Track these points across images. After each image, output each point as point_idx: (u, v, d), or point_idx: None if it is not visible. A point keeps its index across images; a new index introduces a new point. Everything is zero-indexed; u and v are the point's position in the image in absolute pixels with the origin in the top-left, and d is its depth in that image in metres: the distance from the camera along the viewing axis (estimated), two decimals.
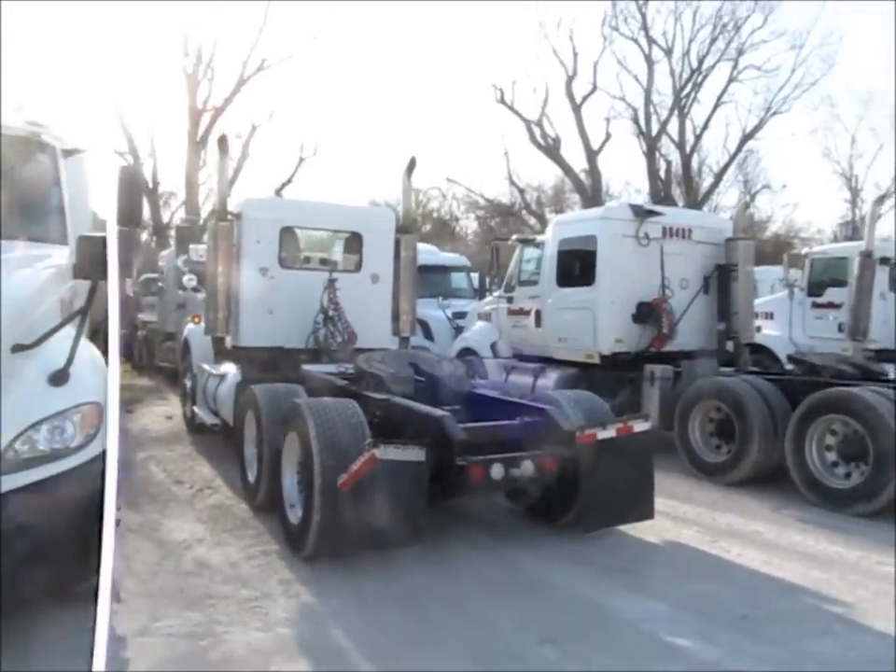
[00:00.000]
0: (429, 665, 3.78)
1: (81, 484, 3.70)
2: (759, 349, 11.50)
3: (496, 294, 11.35)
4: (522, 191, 35.55)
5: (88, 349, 4.22)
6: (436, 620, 4.32)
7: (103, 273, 4.27)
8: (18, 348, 3.74)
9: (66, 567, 3.68)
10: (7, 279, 4.21)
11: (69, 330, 4.06)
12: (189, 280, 12.20)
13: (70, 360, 3.86)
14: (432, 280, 13.06)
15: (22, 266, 4.56)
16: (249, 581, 4.81)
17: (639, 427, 5.68)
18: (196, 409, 9.28)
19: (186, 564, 5.11)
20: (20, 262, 4.56)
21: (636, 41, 31.58)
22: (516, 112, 31.62)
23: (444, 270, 14.94)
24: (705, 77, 32.03)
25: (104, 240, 4.20)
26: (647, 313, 9.19)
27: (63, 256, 4.95)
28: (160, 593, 4.58)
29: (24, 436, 3.64)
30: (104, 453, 4.00)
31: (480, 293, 12.50)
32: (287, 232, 8.40)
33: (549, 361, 9.95)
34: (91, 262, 3.99)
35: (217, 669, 3.69)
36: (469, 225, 41.82)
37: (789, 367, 9.96)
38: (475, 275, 14.37)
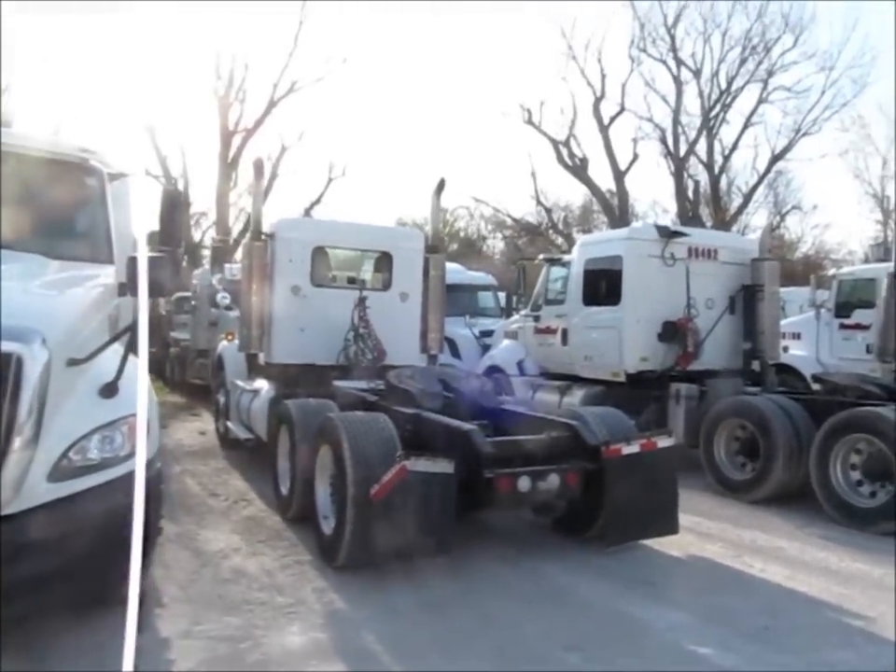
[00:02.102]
0: (456, 668, 3.92)
1: (130, 492, 3.89)
2: (786, 369, 11.53)
3: (522, 313, 11.50)
4: (549, 211, 35.72)
5: (134, 364, 4.44)
6: (463, 627, 4.46)
7: (149, 293, 4.51)
8: (72, 363, 3.95)
9: (117, 570, 3.86)
10: (59, 298, 4.47)
11: (116, 346, 4.29)
12: (223, 298, 12.48)
13: (119, 374, 4.07)
14: (460, 299, 13.23)
15: (73, 285, 4.77)
16: (284, 588, 4.99)
17: (663, 442, 5.81)
18: (229, 424, 9.50)
19: (223, 572, 5.31)
20: (70, 282, 4.78)
21: (664, 62, 31.73)
22: (544, 132, 31.88)
23: (471, 289, 15.12)
24: (734, 98, 32.03)
25: (151, 260, 4.44)
26: (672, 332, 9.29)
27: (109, 275, 5.16)
28: (199, 599, 4.77)
29: (78, 445, 3.84)
30: (149, 462, 4.22)
31: (506, 312, 12.65)
32: (318, 252, 8.61)
33: (575, 379, 10.09)
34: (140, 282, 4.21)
35: (257, 670, 3.86)
36: (496, 244, 42.06)
37: (815, 387, 9.99)
38: (502, 294, 14.52)
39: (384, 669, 3.92)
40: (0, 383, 3.50)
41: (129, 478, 3.95)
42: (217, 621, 4.41)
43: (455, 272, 14.12)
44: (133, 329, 4.33)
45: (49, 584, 3.68)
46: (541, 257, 12.20)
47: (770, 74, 31.31)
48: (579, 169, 32.14)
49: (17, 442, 3.55)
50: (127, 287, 4.64)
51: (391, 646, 4.15)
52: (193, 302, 17.04)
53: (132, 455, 4.05)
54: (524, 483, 5.32)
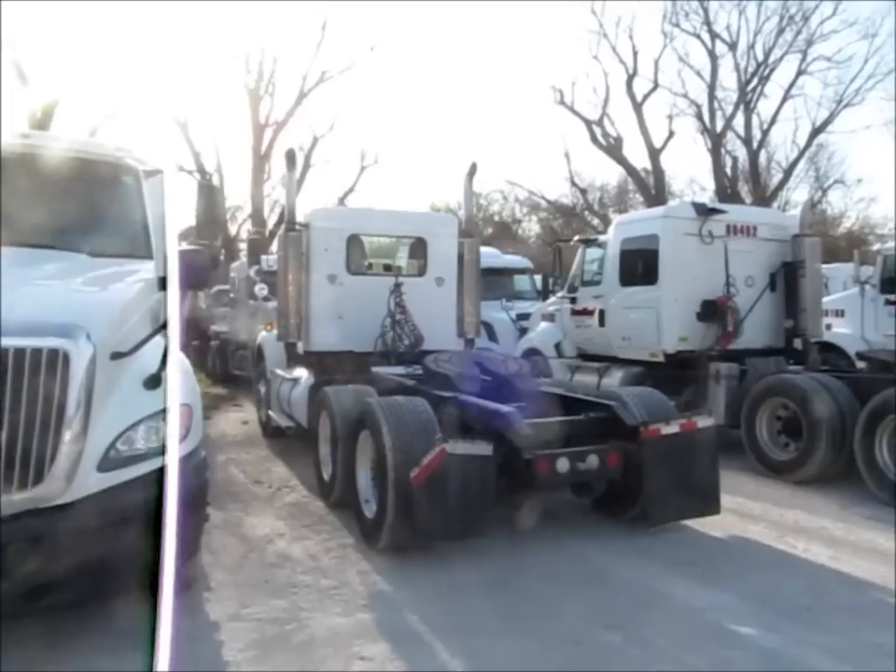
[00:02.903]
0: (498, 646, 3.97)
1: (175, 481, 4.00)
2: (829, 348, 11.32)
3: (559, 295, 11.48)
4: (584, 192, 35.41)
5: (176, 355, 4.54)
6: (504, 607, 4.50)
7: (189, 285, 4.62)
8: (116, 356, 4.05)
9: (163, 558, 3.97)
10: (102, 294, 4.58)
11: (158, 339, 4.39)
12: (261, 290, 12.60)
13: (162, 366, 4.17)
14: (496, 282, 13.26)
15: (114, 281, 4.87)
16: (328, 571, 5.09)
17: (704, 422, 5.79)
18: (271, 413, 9.66)
19: (269, 556, 5.42)
20: (112, 278, 4.89)
21: (698, 36, 31.10)
22: (576, 113, 31.52)
23: (507, 272, 15.12)
24: (772, 71, 31.24)
25: (191, 253, 4.54)
26: (711, 311, 9.20)
27: (149, 270, 5.26)
28: (246, 582, 4.89)
29: (125, 436, 3.94)
30: (194, 451, 4.34)
31: (543, 294, 12.62)
32: (353, 240, 8.67)
33: (613, 360, 10.06)
34: (178, 275, 4.31)
35: (304, 650, 3.95)
36: (531, 227, 41.86)
37: (859, 365, 9.82)
38: (537, 277, 14.49)
39: (427, 649, 3.98)
40: (48, 379, 3.60)
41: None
42: (263, 603, 4.52)
43: (491, 255, 14.13)
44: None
45: (101, 571, 3.80)
46: (577, 238, 12.16)
47: (809, 44, 30.49)
48: (613, 148, 31.78)
49: (67, 435, 3.65)
50: (167, 281, 4.73)
51: (434, 626, 4.22)
52: (232, 295, 17.28)
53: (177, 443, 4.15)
54: (562, 464, 5.35)
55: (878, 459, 6.95)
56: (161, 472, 4.02)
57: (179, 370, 4.49)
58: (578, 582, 4.93)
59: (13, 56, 19.89)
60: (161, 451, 4.06)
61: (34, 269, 4.52)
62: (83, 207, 5.37)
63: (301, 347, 8.56)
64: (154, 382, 4.15)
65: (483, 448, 4.95)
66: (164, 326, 4.50)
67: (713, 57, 31.08)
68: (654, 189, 31.26)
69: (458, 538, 5.19)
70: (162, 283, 4.97)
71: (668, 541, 5.69)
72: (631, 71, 30.92)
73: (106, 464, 3.86)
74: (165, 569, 3.69)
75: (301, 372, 8.64)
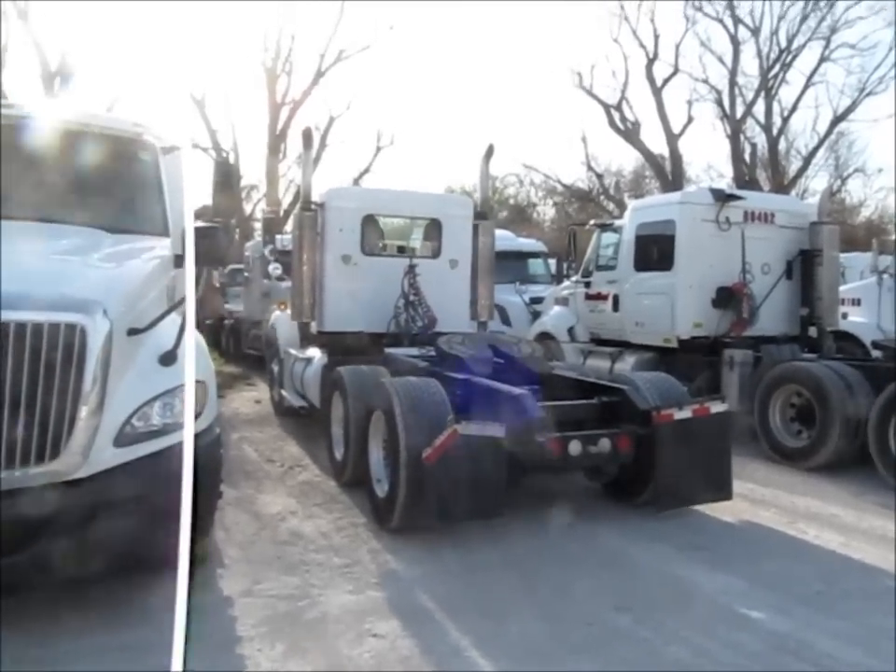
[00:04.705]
0: (509, 626, 4.00)
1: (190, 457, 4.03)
2: (845, 336, 11.25)
3: (573, 279, 11.43)
4: (600, 176, 35.23)
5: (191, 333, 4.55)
6: (515, 588, 4.53)
7: (205, 263, 4.63)
8: (132, 332, 4.07)
9: (177, 533, 4.00)
10: (118, 270, 4.60)
11: (174, 316, 4.41)
12: (275, 269, 12.63)
13: (178, 343, 4.19)
14: (509, 266, 13.19)
15: (131, 258, 4.89)
16: (340, 549, 5.13)
17: (717, 408, 5.77)
18: (284, 392, 9.70)
19: (281, 534, 5.46)
20: (128, 254, 4.91)
21: (720, 21, 30.71)
22: (595, 96, 31.29)
23: (521, 255, 15.06)
24: (794, 57, 30.80)
25: (206, 231, 4.54)
26: (727, 297, 9.16)
27: (165, 247, 5.28)
28: (259, 560, 4.93)
29: (140, 412, 3.97)
30: (209, 428, 4.37)
31: (557, 278, 12.58)
32: (368, 220, 8.65)
33: (626, 346, 10.04)
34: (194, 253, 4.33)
35: (316, 627, 3.99)
36: (546, 211, 41.71)
37: (874, 354, 9.76)
38: (552, 261, 14.44)
39: (438, 627, 4.00)
40: (65, 354, 3.62)
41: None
42: (276, 580, 4.56)
43: (506, 239, 14.06)
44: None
45: (117, 545, 3.84)
46: (592, 222, 12.09)
47: (833, 30, 30.00)
48: (631, 133, 31.52)
49: (83, 411, 3.68)
50: (183, 259, 4.75)
51: (445, 605, 4.25)
52: (246, 274, 17.30)
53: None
54: (574, 447, 5.36)
55: (892, 447, 6.92)
56: (176, 448, 4.07)
57: (195, 346, 4.52)
58: (589, 565, 4.95)
59: (30, 29, 19.95)
60: (176, 427, 4.09)
61: (51, 244, 4.55)
62: (101, 183, 5.39)
63: (314, 327, 8.58)
64: (169, 358, 4.17)
65: (496, 430, 4.96)
66: (180, 303, 4.53)
67: (735, 42, 30.70)
68: (671, 175, 31.02)
69: (470, 518, 5.21)
70: (178, 260, 5.01)
71: (680, 526, 5.69)
72: (651, 55, 30.63)
73: (122, 439, 3.89)
74: (181, 545, 3.72)
75: (315, 352, 8.66)
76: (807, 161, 32.87)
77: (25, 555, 3.57)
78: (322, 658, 3.65)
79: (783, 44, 30.52)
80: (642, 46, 30.61)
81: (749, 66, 31.19)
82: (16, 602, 3.80)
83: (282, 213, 25.99)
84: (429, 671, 3.56)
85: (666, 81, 30.90)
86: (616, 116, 31.31)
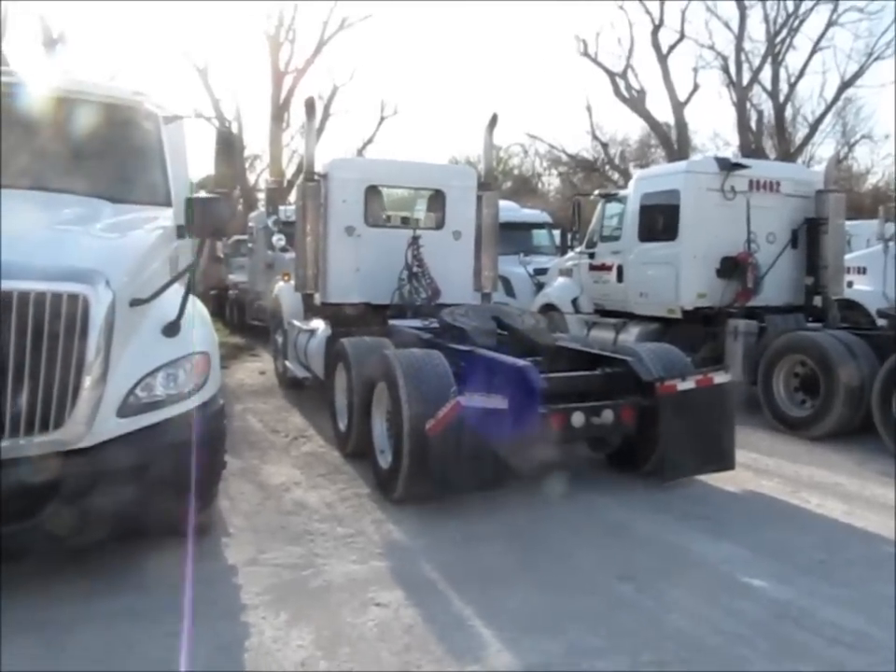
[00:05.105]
0: (512, 595, 4.02)
1: (192, 427, 4.05)
2: (850, 305, 11.21)
3: (577, 250, 11.38)
4: (605, 146, 34.88)
5: (194, 303, 4.55)
6: (519, 557, 4.56)
7: (207, 234, 4.61)
8: (135, 303, 4.06)
9: (179, 503, 4.02)
10: (121, 240, 4.58)
11: (176, 286, 4.40)
12: (279, 240, 12.58)
13: (181, 313, 4.19)
14: (514, 237, 13.13)
15: (133, 228, 4.87)
16: (344, 519, 5.16)
17: (720, 378, 5.76)
18: (287, 363, 9.72)
19: (285, 504, 5.50)
20: (131, 224, 4.88)
21: None
22: (600, 64, 30.90)
23: (525, 226, 14.98)
24: (801, 22, 30.21)
25: (208, 201, 4.52)
26: (731, 267, 9.12)
27: (168, 217, 5.25)
28: (264, 529, 4.97)
29: (143, 383, 3.97)
30: (212, 398, 4.37)
31: (561, 249, 12.52)
32: (371, 191, 8.59)
33: (630, 317, 10.02)
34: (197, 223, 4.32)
35: (320, 595, 4.02)
36: (551, 181, 41.32)
37: (880, 322, 9.72)
38: (556, 232, 14.36)
39: (441, 596, 4.03)
40: (68, 324, 3.62)
41: (192, 414, 4.15)
42: (280, 549, 4.60)
43: (510, 209, 13.98)
44: (192, 269, 4.45)
45: (121, 514, 3.86)
46: (597, 192, 12.02)
47: None
48: (636, 101, 31.18)
49: (87, 381, 3.68)
50: (185, 229, 4.73)
51: (448, 574, 4.27)
52: (250, 245, 17.26)
53: (194, 391, 4.19)
54: (577, 419, 5.37)
55: (895, 416, 6.91)
56: (179, 419, 4.08)
57: (198, 316, 4.52)
58: (592, 534, 4.97)
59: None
60: (179, 398, 4.11)
61: (54, 213, 4.53)
62: (102, 152, 5.35)
63: (318, 298, 8.57)
64: (173, 329, 4.17)
65: (498, 402, 4.96)
66: (183, 273, 4.52)
67: (742, 7, 30.15)
68: (677, 144, 30.71)
69: (472, 490, 5.22)
70: (181, 230, 4.99)
71: (683, 496, 5.71)
72: (657, 21, 30.12)
73: (126, 410, 3.90)
74: (189, 514, 3.76)
75: (318, 324, 8.66)
76: (814, 127, 32.43)
77: (29, 523, 3.60)
78: (326, 626, 3.68)
79: (790, 8, 29.98)
80: (648, 12, 30.13)
81: (756, 31, 30.76)
82: (21, 568, 3.83)
83: (285, 183, 25.86)
84: (432, 640, 3.59)
85: (672, 48, 30.44)
86: (621, 84, 30.94)
